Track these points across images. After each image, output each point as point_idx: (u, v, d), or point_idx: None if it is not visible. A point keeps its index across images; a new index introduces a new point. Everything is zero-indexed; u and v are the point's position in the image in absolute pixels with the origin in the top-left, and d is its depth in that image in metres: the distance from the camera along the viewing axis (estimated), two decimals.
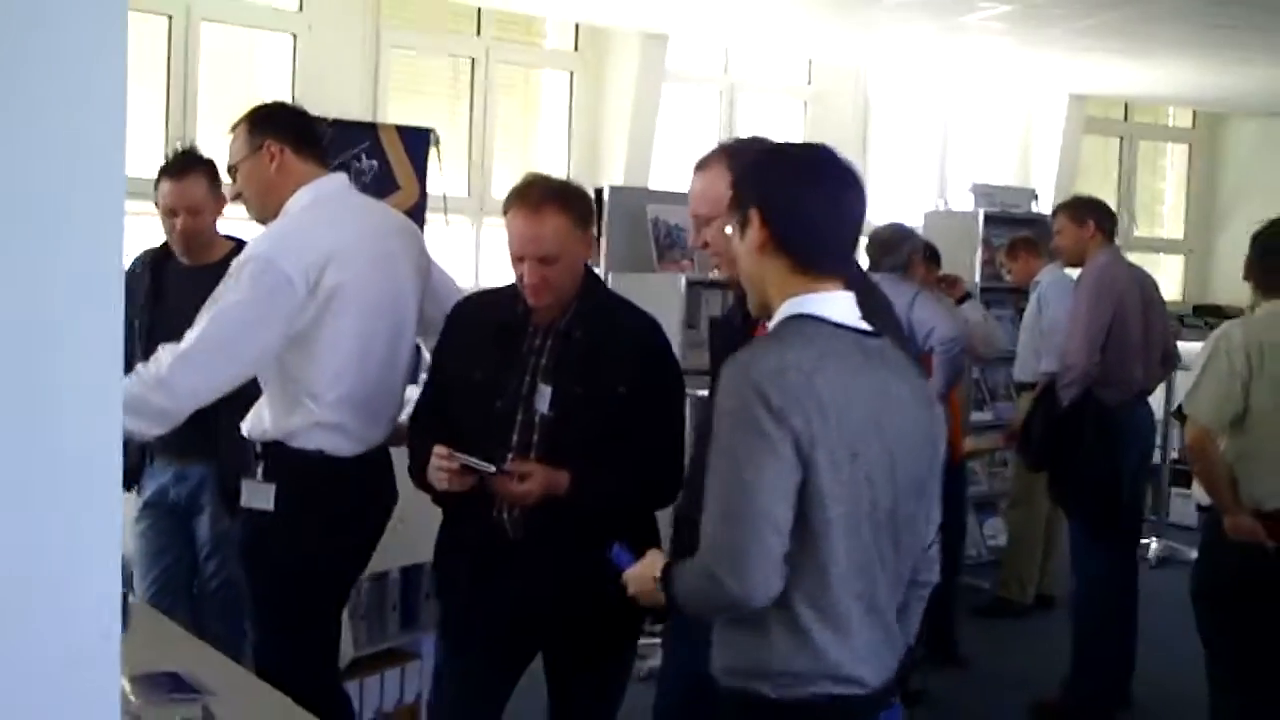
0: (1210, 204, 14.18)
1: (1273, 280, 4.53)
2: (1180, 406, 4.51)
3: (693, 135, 10.67)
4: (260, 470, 3.81)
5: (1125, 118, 13.77)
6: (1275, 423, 4.38)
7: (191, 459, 4.61)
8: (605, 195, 6.57)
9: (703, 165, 3.28)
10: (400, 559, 4.63)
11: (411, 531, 4.17)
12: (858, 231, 2.79)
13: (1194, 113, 14.13)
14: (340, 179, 4.03)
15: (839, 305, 2.64)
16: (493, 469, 3.38)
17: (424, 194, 6.50)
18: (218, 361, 3.66)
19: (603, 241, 6.39)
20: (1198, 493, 4.58)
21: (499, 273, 9.10)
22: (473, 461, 3.40)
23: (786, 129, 11.16)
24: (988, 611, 7.53)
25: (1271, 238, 4.64)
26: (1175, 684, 6.27)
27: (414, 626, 4.87)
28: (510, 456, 3.48)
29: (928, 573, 2.80)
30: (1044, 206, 10.08)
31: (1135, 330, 5.91)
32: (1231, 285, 13.03)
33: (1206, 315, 12.48)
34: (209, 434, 4.10)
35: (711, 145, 3.41)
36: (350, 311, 3.75)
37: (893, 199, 11.87)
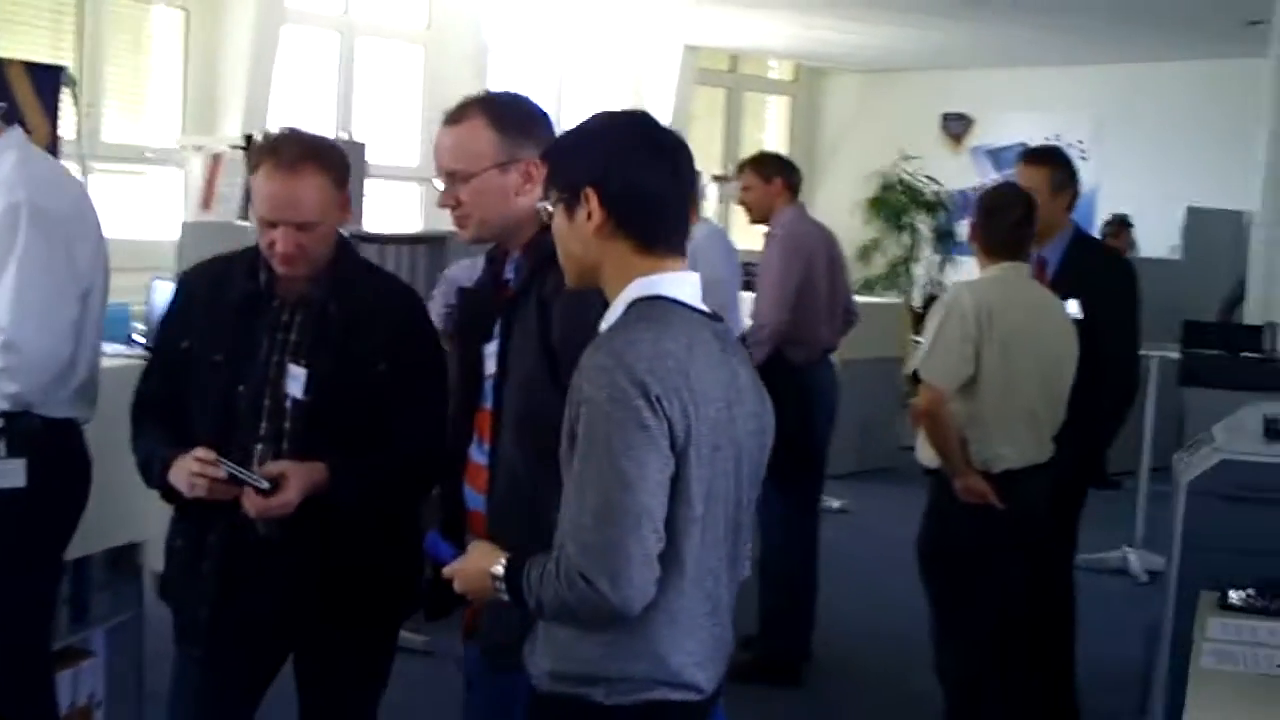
0: (810, 156, 14.59)
1: (997, 242, 4.52)
2: (916, 371, 4.44)
3: (309, 81, 10.18)
4: (3, 445, 3.40)
5: (732, 69, 13.98)
6: (1003, 386, 4.38)
7: None
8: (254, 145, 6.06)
9: (457, 117, 2.94)
10: (71, 550, 4.13)
11: (83, 521, 3.80)
12: (692, 202, 2.56)
13: (796, 66, 14.48)
14: (21, 130, 3.64)
15: (689, 287, 2.46)
16: (266, 485, 2.98)
17: (56, 139, 5.85)
18: (46, 323, 3.39)
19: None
20: (924, 454, 4.54)
21: (109, 227, 8.50)
22: (243, 474, 2.99)
23: (405, 75, 10.81)
24: None
25: (996, 201, 4.62)
26: (844, 632, 6.37)
27: (85, 622, 4.42)
28: (258, 449, 3.11)
29: (745, 567, 2.63)
30: None
31: (823, 289, 5.88)
32: None
33: None
34: None
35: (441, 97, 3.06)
36: (102, 270, 3.48)
37: None
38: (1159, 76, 12.27)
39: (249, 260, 3.19)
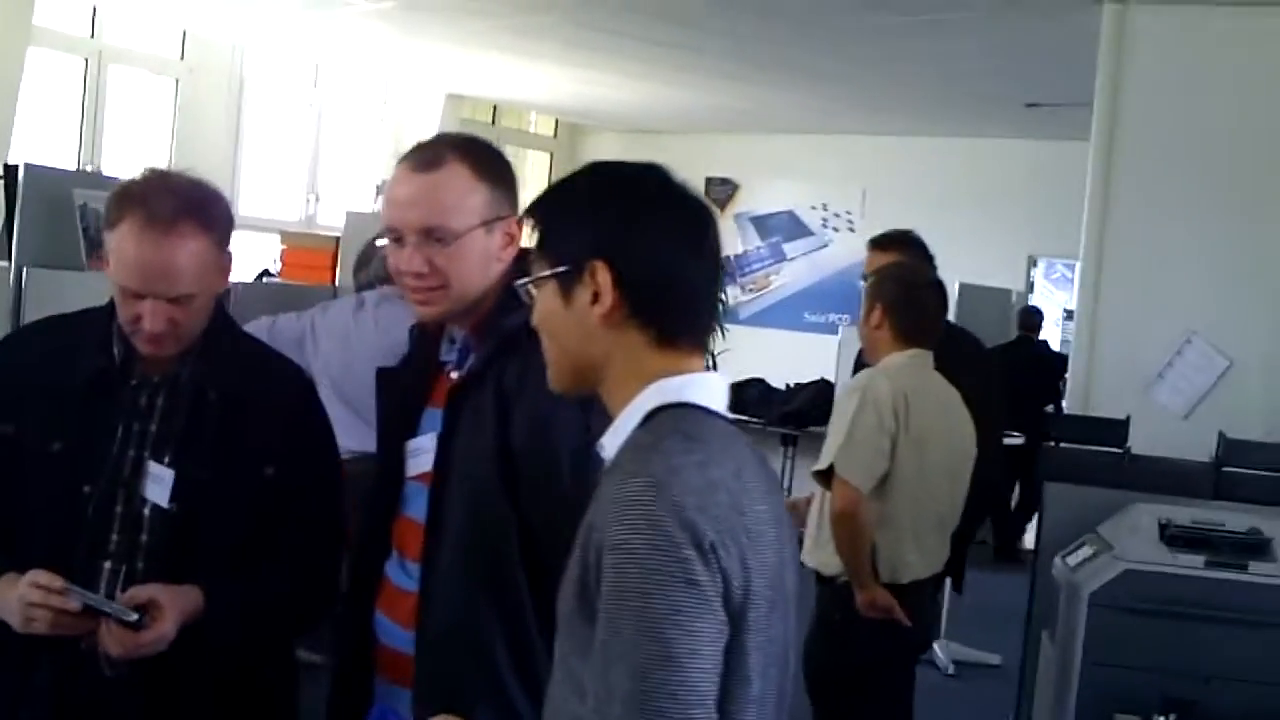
0: None
1: (914, 327, 4.06)
2: (831, 466, 3.94)
3: (55, 109, 9.34)
4: None
5: (493, 121, 13.54)
6: (917, 485, 3.96)
7: None
8: (19, 175, 5.30)
9: (432, 162, 2.34)
10: None
11: None
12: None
13: (556, 121, 14.13)
14: None
15: (719, 393, 1.89)
16: (134, 616, 2.32)
17: None
18: None
19: (14, 231, 5.17)
20: (818, 558, 4.05)
21: None
22: (105, 605, 2.33)
23: (156, 106, 10.03)
24: None
25: (914, 281, 4.16)
26: None
27: None
28: (106, 567, 2.46)
29: None
30: None
31: None
32: None
33: None
34: None
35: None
36: None
37: (265, 194, 11.06)
38: (928, 150, 12.23)
39: (99, 327, 2.55)
